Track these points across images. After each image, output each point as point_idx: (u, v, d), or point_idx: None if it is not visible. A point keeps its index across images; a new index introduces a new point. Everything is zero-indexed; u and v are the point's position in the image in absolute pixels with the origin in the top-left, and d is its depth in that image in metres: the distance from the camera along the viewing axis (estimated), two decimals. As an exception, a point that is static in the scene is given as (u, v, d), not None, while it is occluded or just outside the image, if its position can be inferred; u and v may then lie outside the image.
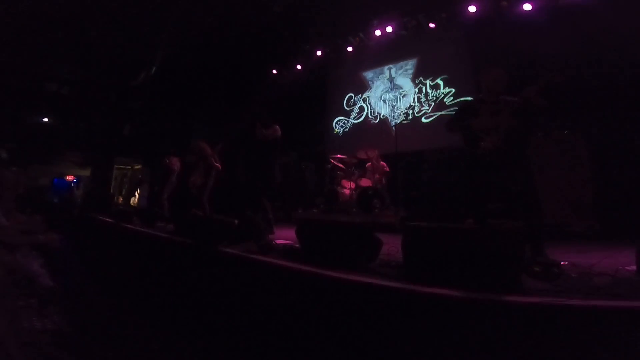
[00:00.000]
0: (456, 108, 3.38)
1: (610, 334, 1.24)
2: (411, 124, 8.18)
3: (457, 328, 1.50)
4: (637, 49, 5.16)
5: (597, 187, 4.66)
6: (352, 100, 9.59)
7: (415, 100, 8.33)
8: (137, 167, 13.53)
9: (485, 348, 1.41)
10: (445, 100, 7.81)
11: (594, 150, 4.78)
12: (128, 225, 5.29)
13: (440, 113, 7.72)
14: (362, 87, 9.44)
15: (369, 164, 6.83)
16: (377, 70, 9.20)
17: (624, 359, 1.20)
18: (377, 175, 6.61)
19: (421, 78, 8.35)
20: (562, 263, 2.02)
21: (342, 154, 7.38)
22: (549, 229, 3.94)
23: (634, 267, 1.89)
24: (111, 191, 12.69)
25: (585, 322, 1.29)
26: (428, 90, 8.17)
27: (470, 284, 1.60)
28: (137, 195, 11.60)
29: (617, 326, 1.25)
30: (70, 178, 13.53)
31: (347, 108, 9.67)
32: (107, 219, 6.22)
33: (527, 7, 6.49)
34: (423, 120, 8.06)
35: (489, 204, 3.01)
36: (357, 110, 9.44)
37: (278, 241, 3.37)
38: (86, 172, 13.47)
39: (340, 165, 7.18)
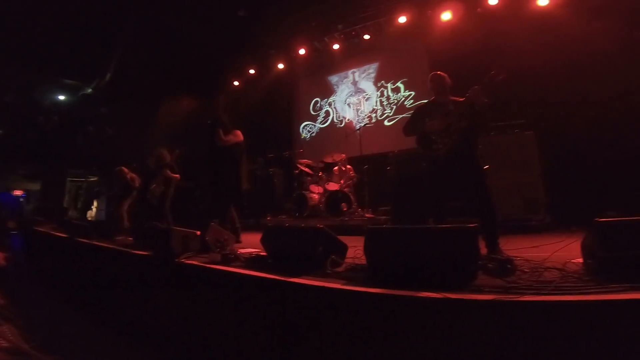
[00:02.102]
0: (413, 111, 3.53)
1: (559, 327, 1.31)
2: (375, 127, 8.35)
3: (415, 328, 1.52)
4: (585, 48, 5.56)
5: (549, 183, 4.96)
6: (319, 104, 9.64)
7: (378, 103, 8.51)
8: (92, 179, 12.80)
9: (445, 346, 1.44)
10: (405, 103, 8.04)
11: (544, 148, 5.10)
12: (84, 240, 4.99)
13: (401, 116, 7.93)
14: (327, 91, 9.51)
15: (336, 167, 6.88)
16: (342, 74, 9.32)
17: (571, 352, 1.27)
18: (344, 179, 6.66)
19: (383, 81, 8.55)
20: (516, 259, 2.11)
21: (309, 159, 7.39)
22: (506, 225, 4.15)
23: (580, 260, 2.01)
24: (65, 205, 11.92)
25: (537, 316, 1.34)
26: (389, 93, 8.37)
27: (429, 284, 1.63)
28: (94, 209, 10.98)
29: (565, 320, 1.31)
30: (17, 193, 12.56)
31: (313, 113, 9.71)
32: (61, 234, 5.84)
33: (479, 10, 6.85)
34: (386, 123, 8.25)
35: (447, 203, 3.12)
36: (323, 115, 9.50)
37: (243, 250, 3.29)
38: (36, 186, 12.57)
39: (308, 170, 7.18)
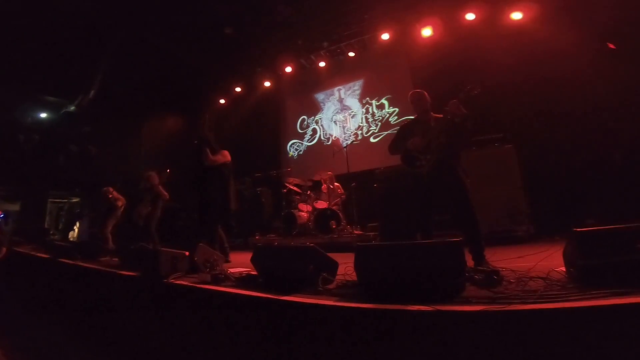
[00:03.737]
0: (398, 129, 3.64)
1: (546, 334, 1.36)
2: (361, 144, 8.48)
3: (408, 340, 1.55)
4: (560, 61, 5.84)
5: (529, 194, 5.13)
6: (305, 122, 9.74)
7: (363, 120, 8.67)
8: (74, 200, 12.49)
9: (437, 357, 1.47)
10: (390, 119, 8.21)
11: (524, 161, 5.28)
12: (67, 261, 4.86)
13: (386, 132, 8.10)
14: (314, 108, 9.64)
15: (324, 185, 6.92)
16: (328, 91, 9.48)
17: (557, 357, 1.32)
18: (332, 197, 6.70)
19: (367, 98, 8.74)
20: (502, 269, 2.17)
21: (297, 177, 7.43)
22: (491, 237, 4.25)
23: (563, 268, 2.09)
24: (46, 226, 11.57)
25: (524, 324, 1.40)
26: (374, 110, 8.56)
27: (419, 297, 1.66)
28: (76, 230, 10.69)
29: (550, 326, 1.37)
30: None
31: (300, 130, 9.80)
32: (43, 255, 5.69)
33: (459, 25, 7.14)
34: (371, 140, 8.40)
35: (433, 218, 3.19)
36: (310, 133, 9.60)
37: (233, 269, 3.27)
38: (15, 207, 12.17)
39: (296, 188, 7.21)
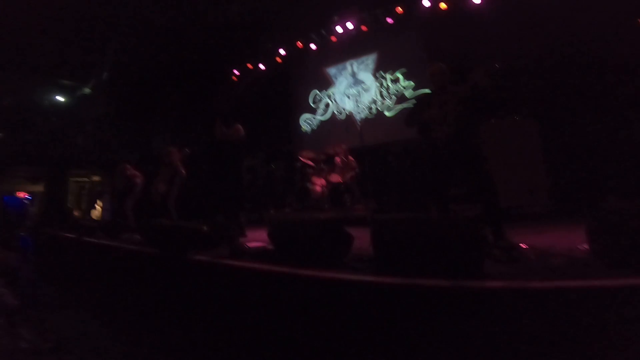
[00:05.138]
0: (414, 101, 3.53)
1: (568, 312, 1.33)
2: (375, 118, 8.33)
3: (427, 316, 1.56)
4: (585, 37, 5.51)
5: (550, 170, 4.96)
6: (318, 96, 9.60)
7: (378, 94, 8.47)
8: (95, 178, 12.83)
9: (456, 333, 1.47)
10: (405, 93, 8.00)
11: (546, 134, 5.08)
12: (91, 239, 5.04)
13: (401, 106, 7.90)
14: (326, 83, 9.46)
15: (338, 159, 6.88)
16: (340, 65, 9.25)
17: (582, 336, 1.30)
18: (346, 171, 6.67)
19: (381, 72, 8.50)
20: (521, 246, 2.13)
21: (311, 151, 7.39)
22: (508, 212, 4.17)
23: (586, 246, 2.03)
24: (69, 205, 11.98)
25: (545, 301, 1.37)
26: (389, 84, 8.33)
27: (437, 272, 1.65)
28: (98, 208, 11.03)
29: (573, 304, 1.34)
30: (22, 195, 12.60)
31: (313, 105, 9.67)
32: (68, 234, 5.90)
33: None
34: (386, 113, 8.22)
35: (450, 191, 3.13)
36: (323, 107, 9.47)
37: (250, 244, 3.32)
38: (40, 188, 12.60)
39: (310, 162, 7.19)
